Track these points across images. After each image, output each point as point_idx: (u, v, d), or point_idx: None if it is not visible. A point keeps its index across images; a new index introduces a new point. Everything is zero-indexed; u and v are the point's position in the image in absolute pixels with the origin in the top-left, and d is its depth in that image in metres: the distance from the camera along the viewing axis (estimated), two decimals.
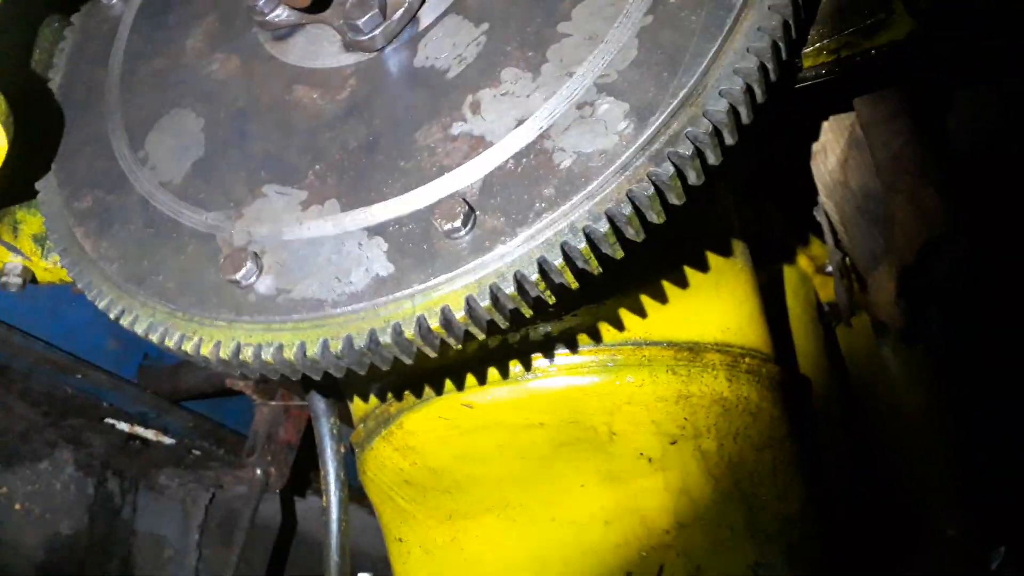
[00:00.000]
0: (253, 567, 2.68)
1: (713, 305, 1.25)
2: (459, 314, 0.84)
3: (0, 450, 2.05)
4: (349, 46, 1.05)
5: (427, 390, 1.24)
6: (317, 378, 0.93)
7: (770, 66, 0.85)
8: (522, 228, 0.83)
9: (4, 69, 1.14)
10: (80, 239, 1.07)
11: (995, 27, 1.01)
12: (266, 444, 2.32)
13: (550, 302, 0.86)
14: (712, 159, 0.84)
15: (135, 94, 1.17)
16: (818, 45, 0.96)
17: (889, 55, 0.94)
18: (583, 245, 0.81)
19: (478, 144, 0.91)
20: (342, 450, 1.43)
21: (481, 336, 0.88)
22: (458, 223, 0.85)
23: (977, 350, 1.54)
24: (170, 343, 0.95)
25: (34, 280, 1.25)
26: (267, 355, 0.90)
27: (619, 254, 0.84)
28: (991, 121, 1.43)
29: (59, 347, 2.08)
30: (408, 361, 0.90)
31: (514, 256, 0.83)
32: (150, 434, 2.32)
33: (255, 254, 0.94)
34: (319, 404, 1.43)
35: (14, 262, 1.21)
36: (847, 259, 1.55)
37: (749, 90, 0.83)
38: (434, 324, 0.85)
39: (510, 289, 0.82)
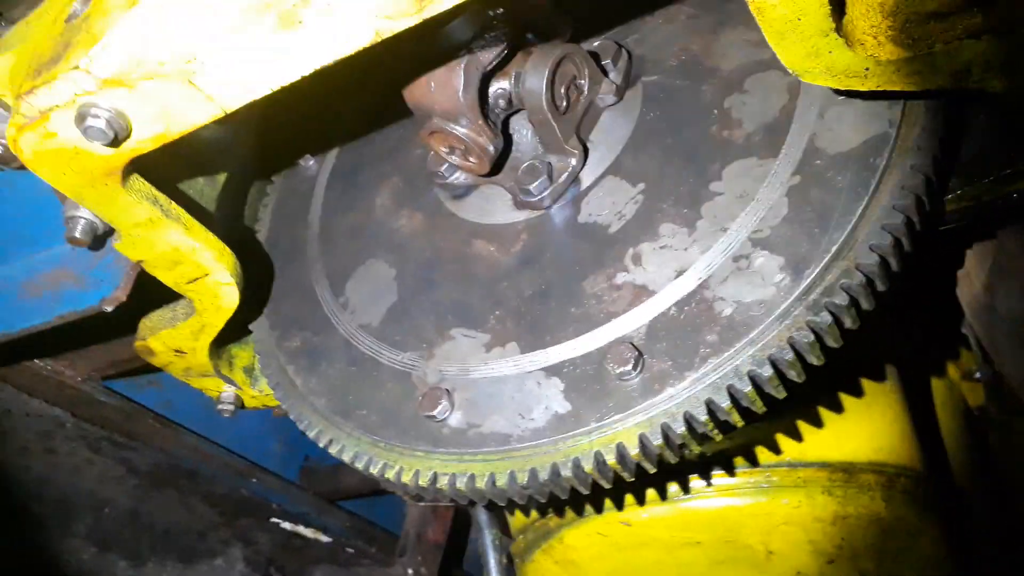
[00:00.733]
0: None
1: (865, 426, 1.29)
2: (633, 451, 0.93)
3: (182, 547, 2.26)
4: (520, 205, 1.19)
5: (587, 508, 1.32)
6: (502, 504, 1.04)
7: (915, 219, 0.92)
8: (689, 371, 0.92)
9: (227, 229, 1.35)
10: (292, 375, 1.24)
11: None
12: (416, 544, 2.44)
13: (716, 439, 0.94)
14: (866, 305, 0.91)
15: (333, 246, 1.36)
16: (959, 193, 1.03)
17: None
18: (749, 388, 0.89)
19: (641, 292, 1.01)
20: (503, 560, 1.52)
21: (652, 470, 0.96)
22: (628, 367, 0.95)
23: None
24: (374, 471, 1.09)
25: (242, 406, 1.44)
26: (461, 484, 1.01)
27: (782, 395, 0.91)
28: None
29: (237, 453, 2.32)
30: (584, 491, 0.99)
31: (682, 398, 0.92)
32: (310, 532, 2.49)
33: (447, 391, 1.07)
34: (483, 516, 1.54)
35: (228, 391, 1.40)
36: (995, 371, 1.54)
37: (897, 243, 0.91)
38: (610, 459, 0.94)
39: (680, 428, 0.91)
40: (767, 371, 0.89)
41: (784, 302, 0.91)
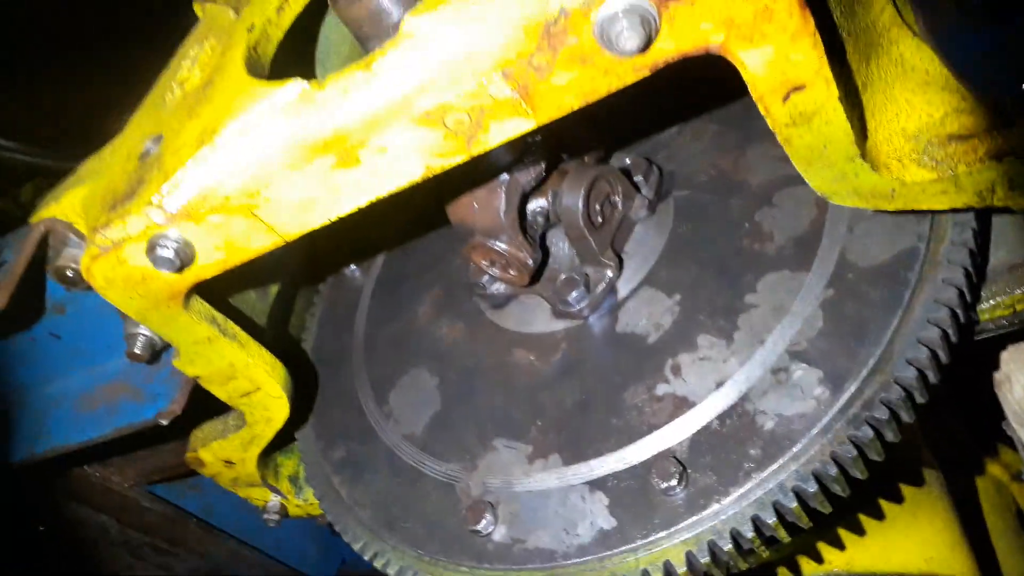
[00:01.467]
0: None
1: (913, 535, 1.26)
2: (680, 569, 0.93)
3: None
4: (559, 314, 1.23)
5: None
6: None
7: (950, 331, 0.94)
8: (734, 487, 0.93)
9: (276, 339, 1.40)
10: (337, 486, 1.26)
11: None
12: None
13: (763, 556, 0.93)
14: (906, 418, 0.92)
15: (377, 355, 1.40)
16: (992, 302, 1.04)
17: None
18: (794, 504, 0.89)
19: (682, 404, 1.03)
20: None
21: None
22: (674, 482, 0.96)
23: None
24: None
25: (287, 515, 1.45)
26: None
27: (827, 510, 0.91)
28: None
29: (275, 557, 2.31)
30: None
31: (728, 514, 0.92)
32: None
33: (491, 504, 1.08)
34: None
35: (275, 501, 1.42)
36: None
37: (934, 355, 0.92)
38: None
39: (727, 546, 0.91)
40: (812, 487, 0.89)
41: (825, 416, 0.92)
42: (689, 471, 0.96)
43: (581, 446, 1.07)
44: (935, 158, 0.92)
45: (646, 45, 0.73)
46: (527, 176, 1.17)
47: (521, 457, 1.11)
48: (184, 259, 0.95)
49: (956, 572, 1.25)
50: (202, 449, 1.31)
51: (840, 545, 1.23)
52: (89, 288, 1.06)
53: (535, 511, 1.05)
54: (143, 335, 1.23)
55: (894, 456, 1.22)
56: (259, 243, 0.95)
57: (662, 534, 0.94)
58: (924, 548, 1.25)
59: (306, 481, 1.34)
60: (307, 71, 1.16)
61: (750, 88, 0.82)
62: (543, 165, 1.17)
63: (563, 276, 1.23)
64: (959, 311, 0.95)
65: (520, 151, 1.14)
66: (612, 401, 1.09)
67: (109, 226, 0.96)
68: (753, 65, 0.78)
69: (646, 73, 0.78)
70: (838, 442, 0.90)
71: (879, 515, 1.23)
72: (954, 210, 0.96)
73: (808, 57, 0.77)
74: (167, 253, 0.94)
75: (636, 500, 0.99)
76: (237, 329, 1.11)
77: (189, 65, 1.07)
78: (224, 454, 1.31)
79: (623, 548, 0.96)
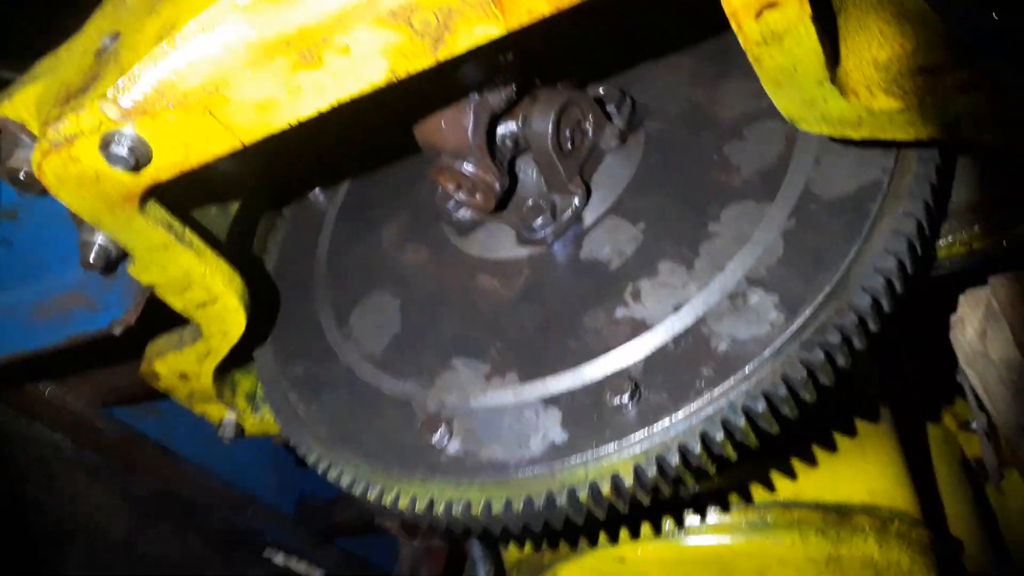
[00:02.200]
0: None
1: (860, 468, 1.30)
2: (628, 481, 0.94)
3: None
4: (523, 241, 1.23)
5: (581, 541, 1.33)
6: (497, 533, 1.05)
7: (907, 262, 0.95)
8: (684, 404, 0.94)
9: (237, 257, 1.38)
10: (294, 403, 1.26)
11: None
12: None
13: (711, 472, 0.95)
14: (858, 345, 0.93)
15: (339, 278, 1.39)
16: (950, 239, 1.06)
17: (1022, 246, 1.02)
18: (743, 422, 0.91)
19: (639, 327, 1.04)
20: None
21: (646, 501, 0.97)
22: (626, 398, 0.97)
23: None
24: (371, 496, 1.10)
25: (243, 432, 1.45)
26: (457, 511, 1.02)
27: (775, 430, 0.93)
28: None
29: (234, 483, 2.32)
30: (578, 521, 1.00)
31: (678, 429, 0.94)
32: (303, 567, 2.47)
33: (446, 420, 1.09)
34: (477, 550, 1.54)
35: (230, 417, 1.42)
36: (991, 421, 1.55)
37: (889, 285, 0.93)
38: (605, 489, 0.95)
39: (675, 460, 0.93)
40: (760, 406, 0.91)
41: (778, 339, 0.93)
42: (642, 389, 0.98)
43: (539, 365, 1.08)
44: (904, 88, 0.92)
45: None
46: (497, 97, 1.15)
47: (479, 375, 1.12)
48: (139, 158, 0.93)
49: (898, 505, 1.29)
50: (157, 361, 1.30)
51: (792, 475, 1.26)
52: (43, 191, 1.03)
53: (489, 426, 1.06)
54: (98, 244, 1.20)
55: (850, 390, 1.25)
56: (217, 145, 0.93)
57: (612, 447, 0.95)
58: (870, 481, 1.28)
59: (263, 399, 1.33)
60: None
61: (723, 2, 0.81)
62: (514, 87, 1.15)
63: (529, 202, 1.23)
64: (917, 243, 0.96)
65: (491, 69, 1.12)
66: (571, 324, 1.10)
67: (61, 120, 0.93)
68: None
69: None
70: (789, 365, 0.92)
71: (832, 447, 1.26)
72: (919, 144, 0.97)
73: None
74: (121, 151, 0.92)
75: (588, 415, 1.00)
76: (195, 236, 1.09)
77: None
78: (179, 367, 1.30)
79: (573, 460, 0.97)
